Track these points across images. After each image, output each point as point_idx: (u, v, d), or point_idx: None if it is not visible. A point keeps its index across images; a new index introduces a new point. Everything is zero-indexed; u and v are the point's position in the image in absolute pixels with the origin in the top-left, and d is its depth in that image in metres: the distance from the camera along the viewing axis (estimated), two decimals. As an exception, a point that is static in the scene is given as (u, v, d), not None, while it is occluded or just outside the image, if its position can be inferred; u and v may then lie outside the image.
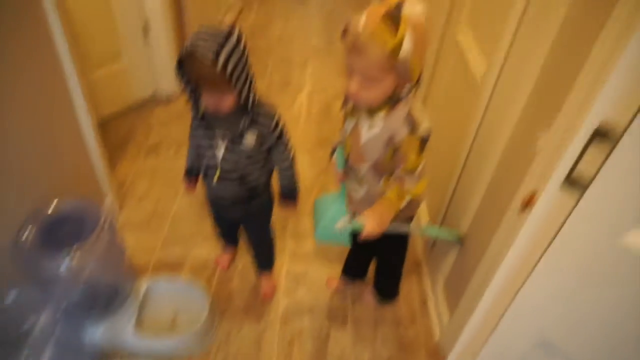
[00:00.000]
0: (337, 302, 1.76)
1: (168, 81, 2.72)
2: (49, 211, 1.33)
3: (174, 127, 2.55)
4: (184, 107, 2.74)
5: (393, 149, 1.13)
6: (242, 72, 1.11)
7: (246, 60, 1.12)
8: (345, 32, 1.03)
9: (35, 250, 1.22)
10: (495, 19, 1.34)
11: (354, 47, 0.98)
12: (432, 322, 1.71)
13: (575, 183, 0.52)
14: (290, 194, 1.45)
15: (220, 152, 1.28)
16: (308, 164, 2.41)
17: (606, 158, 0.48)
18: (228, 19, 3.66)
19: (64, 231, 1.29)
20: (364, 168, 1.22)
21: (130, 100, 2.65)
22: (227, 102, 1.16)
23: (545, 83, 1.07)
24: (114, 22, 2.34)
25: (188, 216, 2.04)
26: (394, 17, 0.95)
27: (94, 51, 2.31)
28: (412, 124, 1.08)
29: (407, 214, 1.33)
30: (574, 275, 0.55)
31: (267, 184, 1.46)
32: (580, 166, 0.51)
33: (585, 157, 0.50)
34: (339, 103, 2.94)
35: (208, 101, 1.18)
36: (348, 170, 1.30)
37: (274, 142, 1.31)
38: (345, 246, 1.51)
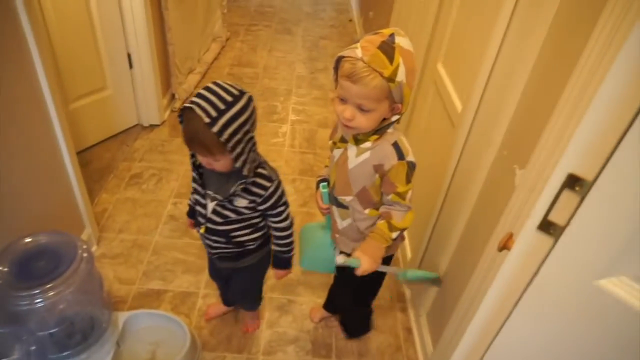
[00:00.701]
0: (321, 332, 1.75)
1: (151, 111, 2.73)
2: (25, 244, 1.31)
3: (156, 157, 2.54)
4: (167, 137, 2.75)
5: (381, 176, 1.15)
6: (241, 139, 1.06)
7: (250, 126, 1.07)
8: (338, 61, 1.05)
9: (9, 284, 1.19)
10: (471, 60, 1.39)
11: (351, 75, 1.00)
12: (417, 353, 1.71)
13: (549, 228, 0.54)
14: (281, 263, 1.39)
15: (209, 209, 1.25)
16: (292, 193, 2.42)
17: (578, 206, 0.50)
18: (213, 49, 3.71)
19: (40, 265, 1.26)
20: (349, 199, 1.24)
21: (114, 129, 2.64)
22: (221, 163, 1.11)
23: (520, 123, 1.11)
24: (99, 54, 2.35)
25: (169, 248, 2.01)
26: (389, 46, 0.99)
27: (79, 81, 2.31)
28: (400, 151, 1.11)
29: (389, 252, 1.34)
30: (553, 316, 0.57)
31: (262, 243, 1.38)
32: (553, 212, 0.53)
33: (558, 204, 0.52)
34: (322, 132, 2.98)
35: (201, 158, 1.13)
36: (333, 202, 1.31)
37: (267, 210, 1.25)
38: (331, 273, 1.51)
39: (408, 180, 1.14)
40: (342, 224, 1.31)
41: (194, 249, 2.01)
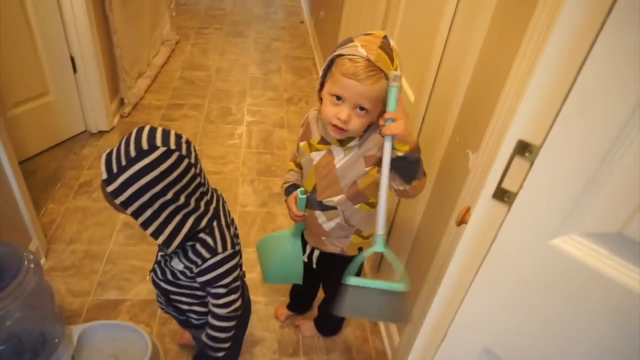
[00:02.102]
0: (287, 331, 1.73)
1: (99, 117, 2.62)
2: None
3: (107, 163, 2.43)
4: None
5: (376, 165, 1.10)
6: (149, 203, 0.86)
7: (164, 188, 0.85)
8: (333, 60, 1.01)
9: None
10: (421, 52, 1.43)
11: (357, 74, 0.96)
12: (384, 343, 1.72)
13: (503, 195, 0.56)
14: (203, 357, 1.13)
15: (157, 256, 1.11)
16: (251, 193, 2.39)
17: (528, 171, 0.51)
18: (163, 52, 3.61)
19: (-17, 279, 1.18)
20: (337, 199, 1.18)
21: (59, 137, 2.51)
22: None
23: (471, 109, 1.15)
24: (38, 58, 2.24)
25: (124, 256, 1.93)
26: (388, 47, 0.99)
27: (18, 87, 2.18)
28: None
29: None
30: (511, 283, 0.58)
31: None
32: (506, 180, 0.55)
33: (510, 171, 0.54)
34: (279, 132, 2.96)
35: None
36: (314, 207, 1.23)
37: (204, 284, 1.02)
38: (298, 283, 1.46)
39: None
40: (329, 225, 1.25)
41: (151, 255, 1.93)
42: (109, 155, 0.87)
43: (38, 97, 2.31)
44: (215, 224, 0.99)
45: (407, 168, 1.01)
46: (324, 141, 1.17)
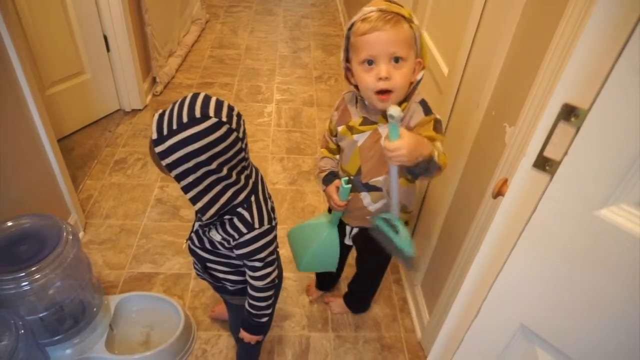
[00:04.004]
0: (316, 307, 1.74)
1: (132, 95, 2.66)
2: (8, 228, 1.27)
3: (140, 142, 2.49)
4: (150, 121, 2.69)
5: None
6: (192, 169, 0.87)
7: (209, 158, 0.86)
8: (350, 30, 1.02)
9: (-6, 270, 1.16)
10: (456, 23, 1.37)
11: (376, 25, 0.96)
12: (413, 321, 1.71)
13: (544, 164, 0.53)
14: (247, 326, 1.16)
15: (195, 226, 1.11)
16: (280, 171, 2.40)
17: (574, 137, 0.48)
18: (193, 31, 3.63)
19: (24, 248, 1.23)
20: (383, 178, 1.15)
21: (95, 115, 2.58)
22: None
23: (509, 78, 1.10)
24: (73, 38, 2.28)
25: (158, 231, 1.98)
26: (394, 2, 1.02)
27: (55, 67, 2.23)
28: (428, 107, 1.07)
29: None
30: (550, 257, 0.56)
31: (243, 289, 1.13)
32: (549, 147, 0.52)
33: (554, 138, 0.51)
34: (308, 110, 2.95)
35: None
36: (358, 189, 1.20)
37: (241, 257, 1.04)
38: (332, 271, 1.45)
39: (438, 129, 1.05)
40: (375, 206, 1.22)
41: (183, 230, 1.98)
42: (161, 116, 0.87)
43: (74, 76, 2.36)
44: (253, 198, 0.99)
45: (413, 173, 1.02)
46: (367, 122, 1.13)
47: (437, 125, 1.06)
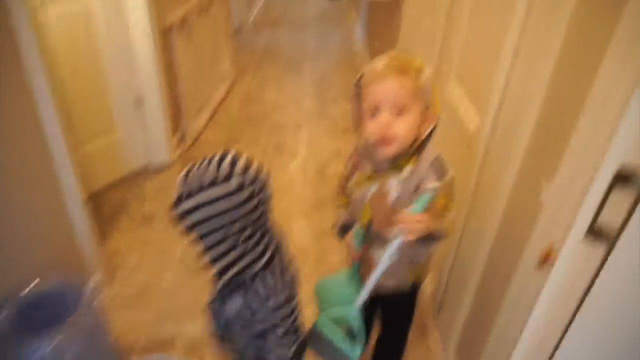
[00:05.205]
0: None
1: (161, 151, 2.72)
2: (27, 292, 1.25)
3: (167, 198, 2.48)
4: (177, 176, 2.71)
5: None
6: (217, 228, 0.85)
7: (237, 218, 0.84)
8: (359, 80, 1.03)
9: (10, 334, 1.12)
10: (484, 72, 1.34)
11: (379, 75, 0.98)
12: (448, 393, 1.57)
13: (599, 234, 0.46)
14: None
15: (215, 290, 1.06)
16: (306, 227, 2.35)
17: (634, 205, 0.42)
18: (222, 88, 3.74)
19: (43, 313, 1.20)
20: (395, 230, 1.11)
21: (123, 171, 2.63)
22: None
23: (544, 131, 1.04)
24: (107, 96, 2.37)
25: (182, 289, 1.94)
26: (406, 55, 1.02)
27: (87, 124, 2.31)
28: (441, 169, 1.03)
29: (416, 278, 1.24)
30: (617, 335, 0.48)
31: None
32: (603, 215, 0.45)
33: (609, 204, 0.45)
34: (335, 163, 2.93)
35: None
36: (372, 240, 1.17)
37: (261, 327, 0.99)
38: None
39: (448, 198, 1.03)
40: (386, 260, 1.15)
41: (206, 291, 1.92)
42: (186, 175, 0.87)
43: (105, 133, 2.43)
44: (273, 264, 0.96)
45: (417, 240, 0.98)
46: (376, 173, 1.11)
47: (451, 192, 1.04)
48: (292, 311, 0.98)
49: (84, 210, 1.75)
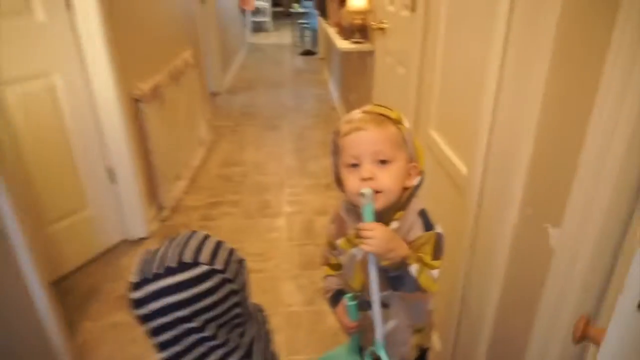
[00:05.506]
0: None
1: (138, 224, 2.57)
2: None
3: (145, 271, 2.33)
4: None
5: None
6: (171, 325, 0.73)
7: (194, 315, 0.72)
8: (337, 136, 0.96)
9: None
10: (467, 116, 1.27)
11: (358, 126, 0.91)
12: None
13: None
14: None
15: None
16: (295, 290, 2.19)
17: None
18: (199, 153, 3.67)
19: None
20: (387, 293, 1.00)
21: (97, 249, 2.46)
22: None
23: (542, 171, 0.95)
24: (76, 171, 2.25)
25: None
26: (383, 106, 0.97)
27: (57, 203, 2.18)
28: (428, 221, 0.95)
29: (422, 342, 1.10)
30: None
31: None
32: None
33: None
34: (321, 220, 2.80)
35: None
36: (366, 308, 1.03)
37: None
38: None
39: (437, 254, 0.93)
40: (385, 328, 1.03)
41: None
42: (148, 255, 0.76)
43: (76, 211, 2.29)
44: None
45: (390, 278, 0.92)
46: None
47: (437, 247, 0.94)
48: None
49: (49, 299, 1.58)
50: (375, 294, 0.93)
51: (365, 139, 0.90)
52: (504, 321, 1.14)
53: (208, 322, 0.74)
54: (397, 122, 0.93)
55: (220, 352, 0.78)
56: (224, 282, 0.74)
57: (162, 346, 0.75)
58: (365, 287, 1.02)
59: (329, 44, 5.00)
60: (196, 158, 3.58)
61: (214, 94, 5.47)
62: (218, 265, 0.74)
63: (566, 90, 0.84)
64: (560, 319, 0.85)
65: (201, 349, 0.76)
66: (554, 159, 0.89)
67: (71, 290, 2.20)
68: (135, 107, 2.47)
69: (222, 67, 5.88)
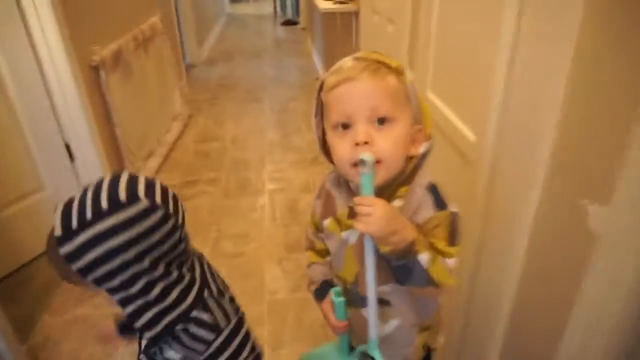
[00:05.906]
0: None
1: (105, 205, 2.34)
2: None
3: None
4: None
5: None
6: (117, 271, 0.68)
7: (142, 252, 0.68)
8: (320, 88, 0.76)
9: None
10: (476, 72, 1.07)
11: (349, 75, 0.70)
12: None
13: None
14: None
15: (139, 348, 0.84)
16: (280, 276, 2.01)
17: None
18: (175, 128, 3.42)
19: None
20: (389, 287, 0.80)
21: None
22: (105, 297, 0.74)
23: (576, 135, 0.75)
24: (29, 151, 2.01)
25: (131, 377, 1.55)
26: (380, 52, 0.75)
27: (8, 185, 1.94)
28: (439, 197, 0.74)
29: (427, 341, 0.92)
30: None
31: None
32: None
33: None
34: (306, 198, 2.59)
35: None
36: (358, 304, 0.85)
37: None
38: None
39: (453, 238, 0.73)
40: (386, 328, 0.85)
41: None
42: (69, 205, 0.69)
43: (31, 193, 2.05)
44: (206, 293, 0.78)
45: (394, 269, 0.73)
46: (354, 213, 0.77)
47: (453, 229, 0.73)
48: (247, 336, 0.81)
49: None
50: (372, 287, 0.74)
51: (358, 91, 0.69)
52: (523, 316, 0.96)
53: (157, 260, 0.70)
54: (398, 72, 0.72)
55: (178, 289, 0.74)
56: (167, 216, 0.70)
57: (113, 291, 0.71)
58: (359, 279, 0.83)
59: (312, 11, 4.71)
60: (171, 133, 3.34)
61: (190, 66, 5.17)
62: (158, 200, 0.69)
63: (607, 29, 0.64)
64: (605, 316, 0.68)
65: (156, 291, 0.71)
66: (596, 114, 0.70)
67: (31, 281, 1.98)
68: (94, 75, 2.20)
69: (199, 38, 5.55)
